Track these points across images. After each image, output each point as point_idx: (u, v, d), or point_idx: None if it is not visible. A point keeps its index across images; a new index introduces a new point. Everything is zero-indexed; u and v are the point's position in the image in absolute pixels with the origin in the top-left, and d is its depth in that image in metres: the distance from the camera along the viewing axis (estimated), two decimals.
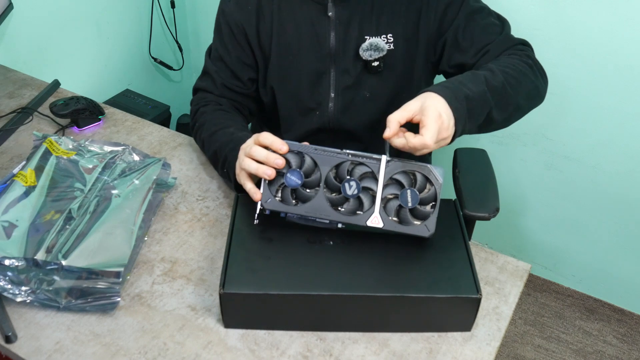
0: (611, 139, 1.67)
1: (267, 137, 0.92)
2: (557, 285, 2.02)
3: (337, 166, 0.90)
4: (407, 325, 0.87)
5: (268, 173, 0.90)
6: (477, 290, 0.84)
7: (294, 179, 0.90)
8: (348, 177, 0.89)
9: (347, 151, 0.90)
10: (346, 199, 0.90)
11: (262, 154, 0.91)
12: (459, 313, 0.86)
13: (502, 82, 0.98)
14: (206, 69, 1.21)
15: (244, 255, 0.89)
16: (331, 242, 0.91)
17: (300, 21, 1.12)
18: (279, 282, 0.84)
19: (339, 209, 0.90)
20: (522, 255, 2.02)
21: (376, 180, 0.89)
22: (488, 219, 1.14)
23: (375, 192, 0.89)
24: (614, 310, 1.94)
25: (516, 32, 1.13)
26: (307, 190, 0.91)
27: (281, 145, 0.90)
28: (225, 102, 1.18)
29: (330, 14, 1.10)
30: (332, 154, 0.90)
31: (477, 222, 1.23)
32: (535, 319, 1.92)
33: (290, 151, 0.91)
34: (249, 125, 1.27)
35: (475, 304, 0.84)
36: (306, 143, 0.93)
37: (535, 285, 2.03)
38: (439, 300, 0.84)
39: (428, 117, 0.85)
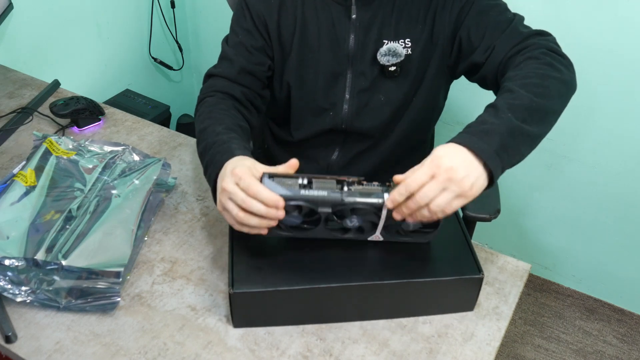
0: (611, 139, 1.67)
1: (260, 191, 0.80)
2: (557, 285, 2.03)
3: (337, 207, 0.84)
4: (414, 309, 0.89)
5: (270, 225, 0.84)
6: (479, 270, 0.86)
7: (293, 220, 0.85)
8: (349, 215, 0.85)
9: (347, 194, 0.82)
10: (347, 229, 0.88)
11: (260, 209, 0.81)
12: (463, 294, 0.88)
13: (527, 97, 0.88)
14: (224, 54, 1.14)
15: (247, 254, 0.89)
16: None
17: (322, 20, 1.11)
18: (285, 277, 0.84)
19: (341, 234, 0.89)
20: (522, 255, 2.02)
21: (378, 216, 0.85)
22: (489, 220, 1.14)
23: (377, 223, 0.86)
24: (614, 310, 1.94)
25: None
26: (307, 226, 0.87)
27: (277, 202, 0.80)
28: (238, 90, 1.09)
29: (353, 16, 1.09)
30: (331, 197, 0.82)
31: (478, 222, 1.23)
32: (535, 319, 1.92)
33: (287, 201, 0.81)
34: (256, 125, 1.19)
35: (478, 283, 0.87)
36: (295, 162, 0.86)
37: (535, 285, 2.03)
38: (443, 283, 0.86)
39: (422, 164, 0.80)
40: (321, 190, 0.82)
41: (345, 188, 0.83)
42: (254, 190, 0.80)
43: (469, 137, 0.82)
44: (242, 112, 1.08)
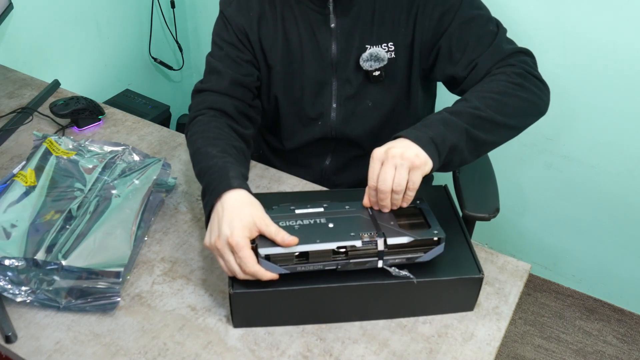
0: (611, 139, 1.67)
1: (257, 272, 0.82)
2: (557, 285, 2.03)
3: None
4: (414, 309, 0.89)
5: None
6: (479, 270, 0.87)
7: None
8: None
9: (343, 265, 0.84)
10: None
11: (254, 278, 0.84)
12: (463, 294, 0.89)
13: (475, 105, 0.93)
14: (211, 68, 1.11)
15: None
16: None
17: (302, 30, 1.10)
18: (285, 277, 0.84)
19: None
20: (522, 255, 2.02)
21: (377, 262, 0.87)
22: (488, 219, 1.14)
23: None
24: (614, 310, 1.94)
25: (516, 32, 1.12)
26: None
27: (273, 278, 0.83)
28: (230, 104, 1.07)
29: (332, 25, 1.08)
30: (327, 269, 0.85)
31: (477, 222, 1.23)
32: (535, 319, 1.92)
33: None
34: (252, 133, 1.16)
35: (478, 283, 0.88)
36: (294, 241, 0.83)
37: (535, 285, 2.03)
38: (443, 283, 0.87)
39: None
40: (317, 264, 0.84)
41: (342, 256, 0.84)
42: (250, 270, 0.82)
43: (406, 131, 0.89)
44: (235, 129, 1.05)
